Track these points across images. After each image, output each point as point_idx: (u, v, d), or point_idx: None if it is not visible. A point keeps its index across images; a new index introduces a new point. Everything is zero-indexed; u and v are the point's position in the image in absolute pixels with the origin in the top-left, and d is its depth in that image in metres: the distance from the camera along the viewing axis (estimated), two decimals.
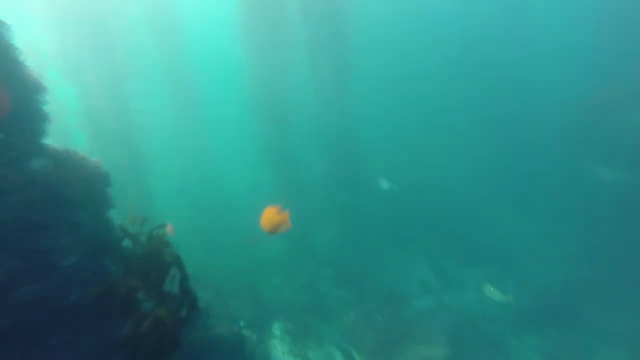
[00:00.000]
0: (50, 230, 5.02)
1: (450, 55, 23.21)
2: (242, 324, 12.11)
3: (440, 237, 16.20)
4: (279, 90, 16.34)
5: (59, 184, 5.27)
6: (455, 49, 22.96)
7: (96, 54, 13.38)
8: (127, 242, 6.78)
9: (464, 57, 22.34)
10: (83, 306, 5.16)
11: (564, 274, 13.55)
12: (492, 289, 10.31)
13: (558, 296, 12.65)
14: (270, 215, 4.50)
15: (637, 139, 13.28)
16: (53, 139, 5.97)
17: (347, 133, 16.63)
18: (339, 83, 16.64)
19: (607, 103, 14.20)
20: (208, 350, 8.82)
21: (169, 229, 14.22)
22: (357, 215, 17.02)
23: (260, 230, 4.65)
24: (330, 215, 18.00)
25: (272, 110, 16.52)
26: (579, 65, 18.12)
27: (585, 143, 15.33)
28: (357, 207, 17.23)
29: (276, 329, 11.23)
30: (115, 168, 8.32)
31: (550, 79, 19.75)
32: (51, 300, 4.84)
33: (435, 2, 23.20)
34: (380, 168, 17.47)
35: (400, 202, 17.14)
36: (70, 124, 14.18)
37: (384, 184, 13.76)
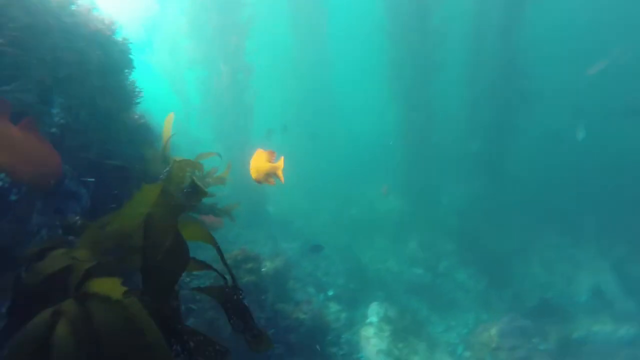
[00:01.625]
0: None
1: None
2: (330, 293, 9.51)
3: None
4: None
5: None
6: None
7: None
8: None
9: None
10: None
11: None
12: None
13: None
14: (260, 161, 3.26)
15: None
16: None
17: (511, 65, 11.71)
18: None
19: None
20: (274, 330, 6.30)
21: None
22: (502, 174, 12.49)
23: None
24: (464, 168, 13.81)
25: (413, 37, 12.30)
26: None
27: None
28: (500, 162, 12.66)
29: (373, 313, 8.30)
30: None
31: None
32: None
33: None
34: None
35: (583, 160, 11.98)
36: None
37: (580, 133, 9.08)
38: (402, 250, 12.70)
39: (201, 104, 11.45)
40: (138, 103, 4.21)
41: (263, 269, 7.70)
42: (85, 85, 3.33)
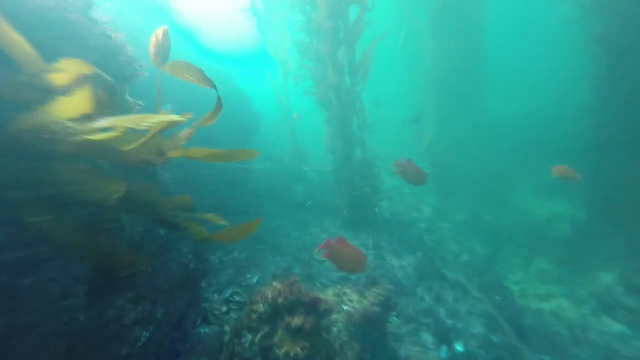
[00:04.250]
0: None
1: None
2: (459, 348, 5.96)
3: None
4: None
5: None
6: None
7: None
8: None
9: None
10: None
11: None
12: None
13: None
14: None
15: None
16: None
17: None
18: None
19: None
20: None
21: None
22: None
23: None
24: None
25: None
26: None
27: None
28: None
29: None
30: None
31: None
32: None
33: None
34: None
35: None
36: None
37: None
38: (581, 284, 8.19)
39: (298, 63, 8.83)
40: None
41: (345, 308, 4.74)
42: None
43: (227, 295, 4.91)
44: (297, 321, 3.12)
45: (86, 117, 1.76)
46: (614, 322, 6.86)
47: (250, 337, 3.07)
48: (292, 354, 2.97)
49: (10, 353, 1.90)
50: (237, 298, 4.80)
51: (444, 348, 5.91)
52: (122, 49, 2.67)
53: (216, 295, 5.15)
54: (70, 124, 1.72)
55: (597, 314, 7.25)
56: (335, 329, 4.33)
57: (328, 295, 5.05)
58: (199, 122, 2.13)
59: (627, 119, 7.53)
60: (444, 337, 6.04)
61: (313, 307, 3.30)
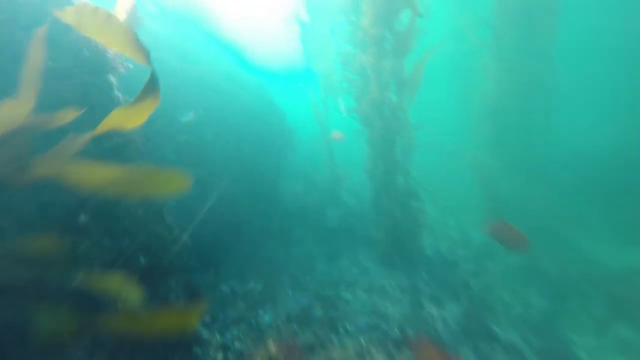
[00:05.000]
0: None
1: None
2: None
3: None
4: None
5: None
6: None
7: None
8: None
9: None
10: None
11: None
12: None
13: None
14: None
15: None
16: None
17: None
18: None
19: None
20: None
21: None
22: None
23: None
24: None
25: None
26: None
27: None
28: None
29: None
30: None
31: None
32: None
33: None
34: None
35: None
36: None
37: None
38: None
39: (341, 76, 8.11)
40: None
41: None
42: None
43: (227, 339, 4.10)
44: None
45: None
46: None
47: None
48: None
49: None
50: (236, 345, 3.98)
51: None
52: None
53: (217, 335, 4.35)
54: None
55: None
56: None
57: (347, 352, 4.09)
58: (104, 124, 1.39)
59: None
60: None
61: None
